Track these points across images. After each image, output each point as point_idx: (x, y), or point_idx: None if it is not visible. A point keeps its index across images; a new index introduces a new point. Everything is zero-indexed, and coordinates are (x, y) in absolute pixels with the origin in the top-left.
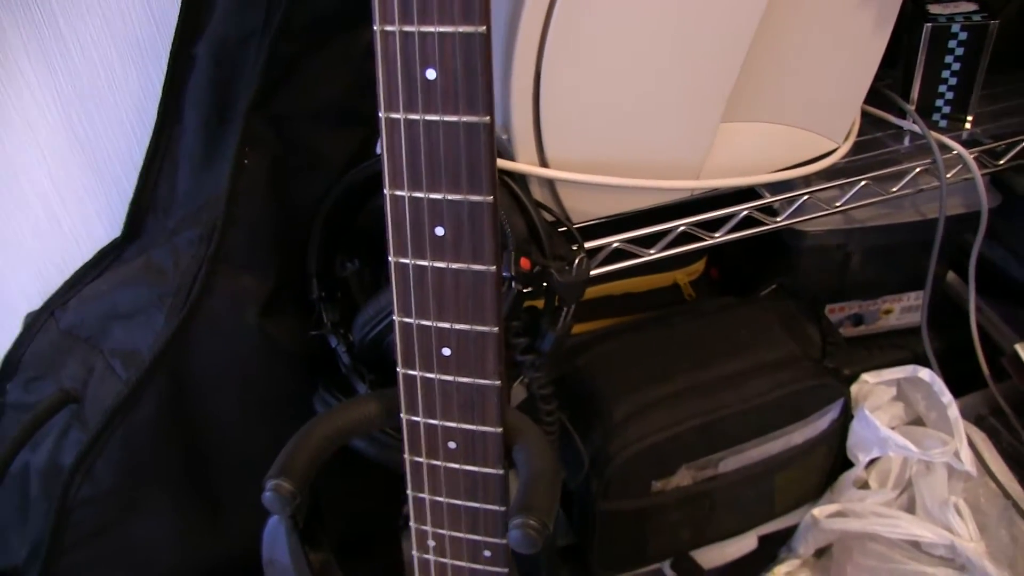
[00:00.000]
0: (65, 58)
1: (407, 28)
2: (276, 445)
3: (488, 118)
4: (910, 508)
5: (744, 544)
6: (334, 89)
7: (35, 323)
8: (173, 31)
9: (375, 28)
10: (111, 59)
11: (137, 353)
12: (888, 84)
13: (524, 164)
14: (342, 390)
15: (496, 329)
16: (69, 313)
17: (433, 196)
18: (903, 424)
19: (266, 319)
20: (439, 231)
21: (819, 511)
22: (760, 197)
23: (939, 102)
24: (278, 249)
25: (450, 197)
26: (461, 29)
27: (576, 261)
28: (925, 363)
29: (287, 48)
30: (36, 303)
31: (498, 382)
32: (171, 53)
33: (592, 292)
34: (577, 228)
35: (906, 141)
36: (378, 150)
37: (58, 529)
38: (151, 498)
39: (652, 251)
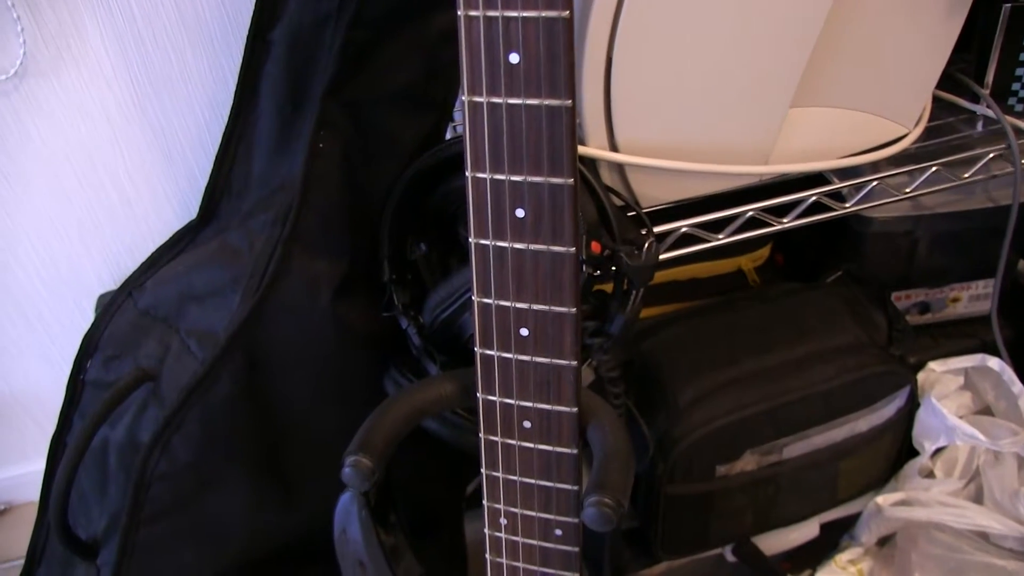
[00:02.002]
0: (140, 49)
1: (491, 13)
2: (347, 424)
3: (570, 102)
4: (977, 498)
5: (806, 531)
6: (406, 74)
7: (113, 303)
8: (243, 21)
9: (459, 13)
10: (183, 49)
11: (212, 333)
12: (961, 67)
13: (595, 149)
14: (413, 371)
15: (574, 310)
16: (146, 294)
17: (514, 178)
18: (971, 413)
19: (339, 301)
20: (520, 213)
21: (883, 499)
22: (828, 183)
23: (1015, 85)
24: (350, 232)
25: (531, 179)
26: (544, 14)
27: (645, 245)
28: (994, 352)
29: (361, 34)
30: (109, 285)
31: (575, 362)
32: (248, 39)
33: (658, 277)
34: (646, 212)
35: (979, 126)
36: (448, 135)
37: (136, 502)
38: (226, 474)
39: (720, 236)
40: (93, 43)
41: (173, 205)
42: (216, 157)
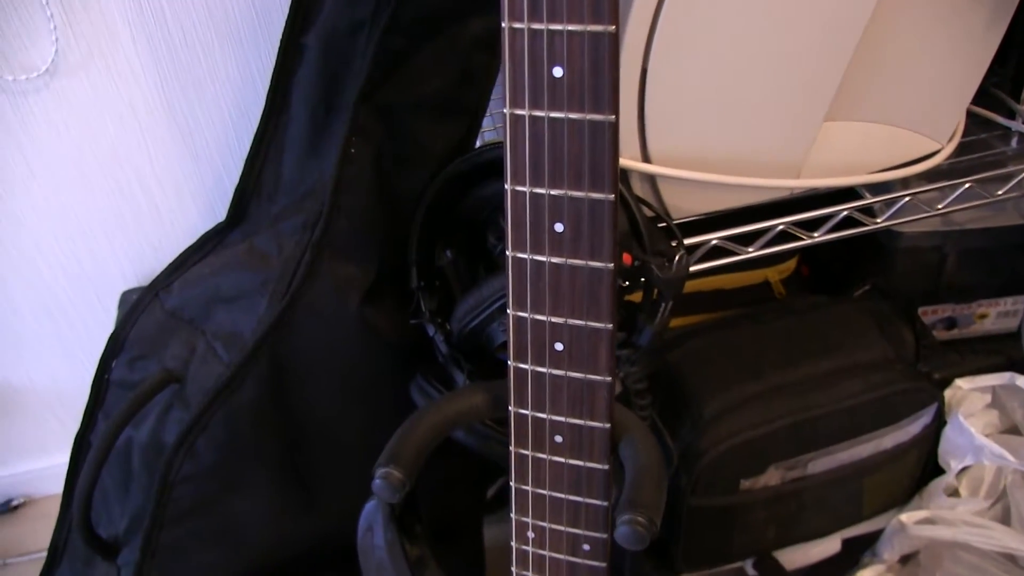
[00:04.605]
0: (169, 47)
1: (536, 26)
2: (372, 430)
3: (613, 117)
4: (1004, 519)
5: (828, 546)
6: (439, 81)
7: (139, 304)
8: (272, 21)
9: (503, 25)
10: (212, 49)
11: (239, 336)
12: (996, 83)
13: (628, 159)
14: (439, 379)
15: (610, 326)
16: (173, 295)
17: (554, 192)
18: (997, 432)
19: (367, 307)
20: (559, 227)
21: (907, 517)
22: (860, 197)
23: None
24: (381, 237)
25: (572, 194)
26: (590, 28)
27: (676, 257)
28: (1021, 370)
29: (396, 40)
30: (132, 282)
31: (609, 378)
32: (281, 43)
33: None
34: (676, 224)
35: (1013, 143)
36: (478, 143)
37: (159, 503)
38: (249, 477)
39: (751, 249)
40: (123, 41)
41: (198, 204)
42: (246, 160)
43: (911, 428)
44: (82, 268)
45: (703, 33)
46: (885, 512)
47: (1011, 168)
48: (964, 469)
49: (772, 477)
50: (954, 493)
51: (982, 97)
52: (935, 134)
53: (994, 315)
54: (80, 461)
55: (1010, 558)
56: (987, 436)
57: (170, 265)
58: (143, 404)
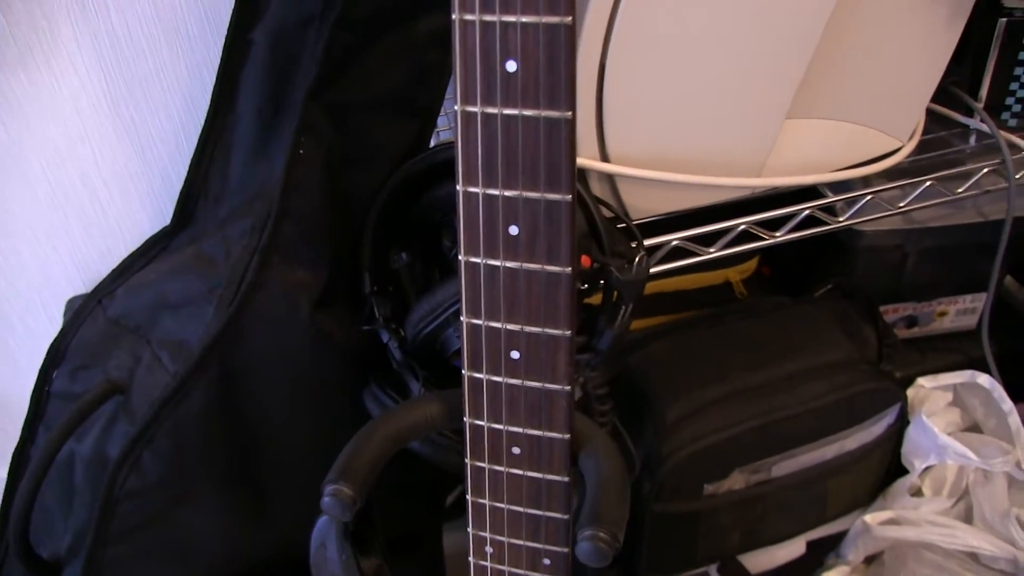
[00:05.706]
0: (114, 44)
1: (488, 17)
2: (324, 440)
3: (570, 113)
4: (967, 518)
5: (792, 549)
6: (392, 79)
7: (82, 311)
8: (221, 17)
9: (454, 16)
10: (159, 45)
11: (186, 344)
12: (954, 81)
13: (586, 159)
14: (394, 386)
15: (568, 332)
16: (117, 302)
17: (508, 193)
18: (959, 431)
19: (319, 312)
20: (513, 230)
21: (871, 517)
22: (821, 196)
23: (1010, 100)
24: (331, 241)
25: (527, 195)
26: (545, 19)
27: (636, 259)
28: (979, 367)
29: (346, 36)
30: (79, 287)
31: (568, 387)
32: (227, 38)
33: None
34: (636, 225)
35: (972, 140)
36: (432, 142)
37: (103, 520)
38: (198, 490)
39: (712, 250)
40: (64, 37)
41: (146, 206)
42: (192, 161)
43: (875, 428)
44: (25, 273)
45: (663, 28)
46: (849, 513)
47: (970, 166)
48: (927, 469)
49: (736, 481)
50: (917, 493)
51: (941, 95)
52: (896, 132)
53: (953, 313)
54: (19, 476)
55: (973, 557)
56: (949, 435)
57: (114, 271)
58: (85, 416)
